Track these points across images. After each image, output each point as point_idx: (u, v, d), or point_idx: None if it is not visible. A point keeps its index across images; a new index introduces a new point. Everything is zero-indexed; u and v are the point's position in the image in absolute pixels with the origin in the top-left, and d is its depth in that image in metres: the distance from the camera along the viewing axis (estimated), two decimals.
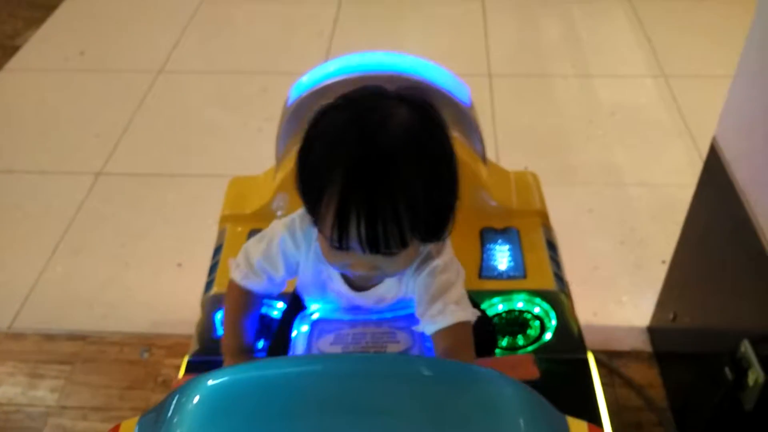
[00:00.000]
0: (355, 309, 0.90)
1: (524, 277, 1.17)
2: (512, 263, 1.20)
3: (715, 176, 1.25)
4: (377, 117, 0.69)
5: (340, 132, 0.70)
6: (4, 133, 2.33)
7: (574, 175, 2.11)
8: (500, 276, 1.18)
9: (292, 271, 0.89)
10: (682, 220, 1.45)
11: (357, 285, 0.86)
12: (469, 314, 0.81)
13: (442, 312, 0.79)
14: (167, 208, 2.03)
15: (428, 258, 0.82)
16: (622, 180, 2.08)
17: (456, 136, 1.29)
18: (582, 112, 2.38)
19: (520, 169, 1.41)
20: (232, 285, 0.91)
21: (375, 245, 0.69)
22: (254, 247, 0.89)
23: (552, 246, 1.28)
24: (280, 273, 0.88)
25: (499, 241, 1.23)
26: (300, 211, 0.84)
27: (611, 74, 2.57)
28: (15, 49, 2.72)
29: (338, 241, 0.70)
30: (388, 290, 0.85)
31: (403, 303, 0.88)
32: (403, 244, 0.71)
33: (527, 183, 1.34)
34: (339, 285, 0.86)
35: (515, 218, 1.26)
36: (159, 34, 2.83)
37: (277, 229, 0.87)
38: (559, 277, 1.22)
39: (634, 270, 1.80)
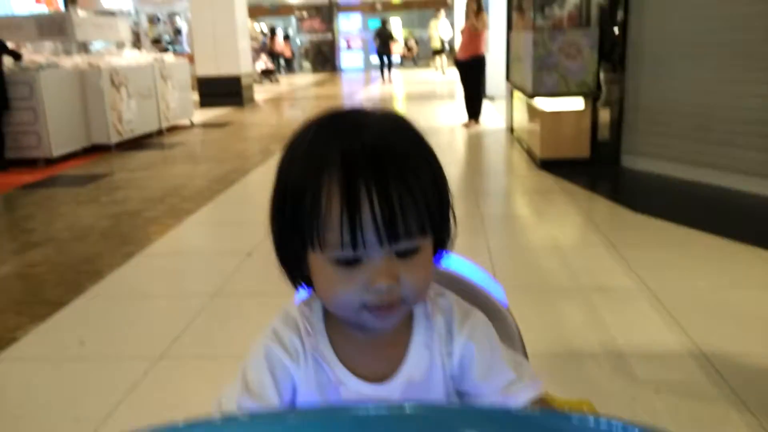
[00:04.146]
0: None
1: None
2: None
3: None
4: (366, 119, 0.66)
5: (329, 128, 0.64)
6: None
7: None
8: None
9: (287, 393, 0.69)
10: None
11: (378, 373, 0.69)
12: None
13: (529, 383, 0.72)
14: None
15: (467, 314, 0.73)
16: None
17: None
18: (621, 390, 2.13)
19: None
20: None
21: (393, 225, 0.61)
22: (228, 393, 0.69)
23: None
24: (273, 402, 0.68)
25: None
26: (281, 316, 0.71)
27: (645, 353, 2.36)
28: (11, 341, 2.60)
29: (351, 233, 0.60)
30: (417, 363, 0.69)
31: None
32: (422, 228, 0.63)
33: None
34: (354, 383, 0.68)
35: None
36: (167, 324, 2.74)
37: (255, 348, 0.69)
38: None
39: None
